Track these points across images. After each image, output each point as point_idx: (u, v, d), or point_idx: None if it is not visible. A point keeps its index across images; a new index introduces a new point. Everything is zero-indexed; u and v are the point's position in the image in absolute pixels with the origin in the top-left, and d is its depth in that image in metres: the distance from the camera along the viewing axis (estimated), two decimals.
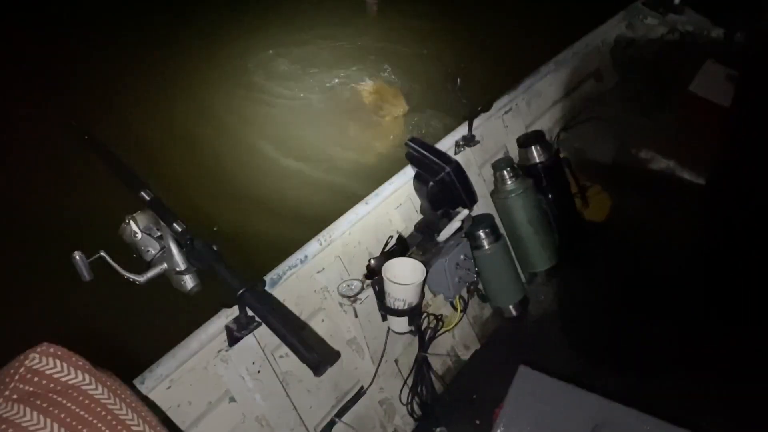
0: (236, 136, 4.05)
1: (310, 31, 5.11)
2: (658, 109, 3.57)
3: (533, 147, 2.54)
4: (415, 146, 2.11)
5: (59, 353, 1.26)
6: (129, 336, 2.51)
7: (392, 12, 5.15)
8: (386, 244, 2.08)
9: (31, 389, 1.21)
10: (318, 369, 1.38)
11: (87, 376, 1.27)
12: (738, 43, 3.17)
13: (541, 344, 2.39)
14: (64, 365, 1.25)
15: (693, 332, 2.30)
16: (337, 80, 4.54)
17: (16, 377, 1.21)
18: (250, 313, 1.57)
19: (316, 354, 1.36)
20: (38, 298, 2.75)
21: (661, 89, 3.60)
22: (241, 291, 1.46)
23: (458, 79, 2.27)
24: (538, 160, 2.54)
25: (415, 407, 2.19)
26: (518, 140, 2.60)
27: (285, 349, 1.63)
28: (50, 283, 2.68)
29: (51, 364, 1.24)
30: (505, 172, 2.42)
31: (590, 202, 2.74)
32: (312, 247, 1.91)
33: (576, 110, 3.06)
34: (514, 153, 2.66)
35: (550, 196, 2.56)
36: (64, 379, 1.24)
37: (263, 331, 1.63)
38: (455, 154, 2.39)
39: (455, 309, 2.24)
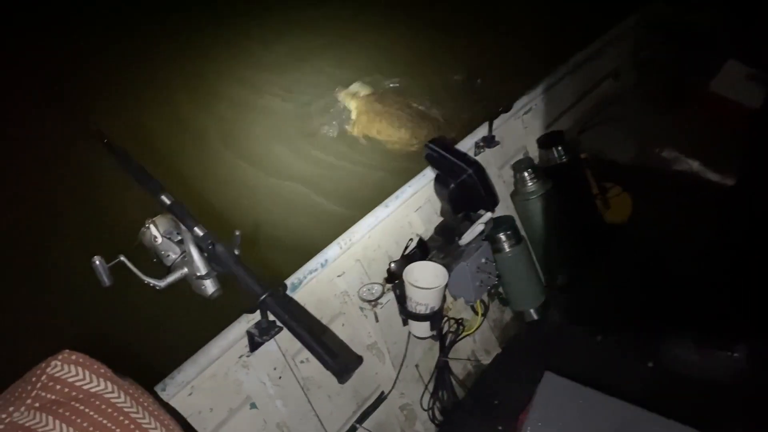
0: (251, 140, 4.04)
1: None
2: (677, 109, 3.53)
3: (554, 148, 2.50)
4: (435, 147, 2.08)
5: (80, 360, 1.25)
6: (150, 342, 2.49)
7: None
8: (406, 248, 2.05)
9: (53, 397, 1.20)
10: (342, 376, 1.36)
11: (108, 384, 1.26)
12: (763, 42, 3.11)
13: (563, 348, 2.35)
14: (86, 372, 1.24)
15: (717, 337, 2.25)
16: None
17: (38, 385, 1.20)
18: (271, 318, 1.55)
19: (341, 361, 1.33)
20: (59, 304, 2.74)
21: (681, 88, 3.56)
22: (263, 296, 1.43)
23: (478, 80, 2.25)
24: (558, 161, 2.51)
25: (437, 413, 2.16)
26: (539, 141, 2.57)
27: (306, 354, 1.61)
28: (70, 289, 2.67)
29: (72, 371, 1.23)
30: (526, 174, 2.39)
31: (611, 204, 2.69)
32: (332, 250, 1.88)
33: (595, 110, 3.02)
34: (534, 154, 2.63)
35: (571, 197, 2.52)
36: (85, 387, 1.23)
37: (284, 335, 1.61)
38: (475, 155, 2.36)
39: (476, 313, 2.20)
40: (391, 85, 4.16)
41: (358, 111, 3.93)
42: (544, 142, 2.53)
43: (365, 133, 3.86)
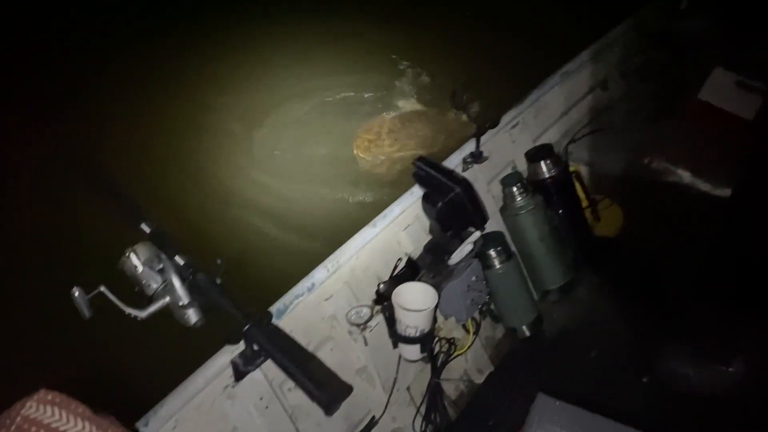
0: (234, 158, 4.00)
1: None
2: (666, 118, 3.52)
3: (542, 162, 2.48)
4: (423, 166, 2.06)
5: (57, 400, 1.21)
6: (132, 374, 2.44)
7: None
8: (395, 268, 2.02)
9: None
10: (329, 408, 1.33)
11: (86, 424, 1.21)
12: (757, 52, 3.11)
13: (557, 365, 2.32)
14: (63, 413, 1.20)
15: (712, 351, 2.23)
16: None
17: (12, 428, 1.16)
18: (256, 347, 1.52)
19: (328, 393, 1.30)
20: (37, 338, 2.68)
21: (670, 97, 3.56)
22: (247, 326, 1.41)
23: (464, 96, 2.22)
24: (547, 175, 2.48)
25: None
26: (527, 155, 2.54)
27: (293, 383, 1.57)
28: (49, 321, 2.61)
29: (49, 412, 1.19)
30: (515, 189, 2.37)
31: (602, 216, 2.68)
32: (319, 273, 1.85)
33: (584, 121, 3.01)
34: (523, 167, 2.60)
35: (560, 211, 2.50)
36: (62, 429, 1.19)
37: (271, 364, 1.57)
38: (463, 171, 2.34)
39: (468, 332, 2.17)
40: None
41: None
42: (533, 156, 2.51)
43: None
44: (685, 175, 2.74)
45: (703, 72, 3.48)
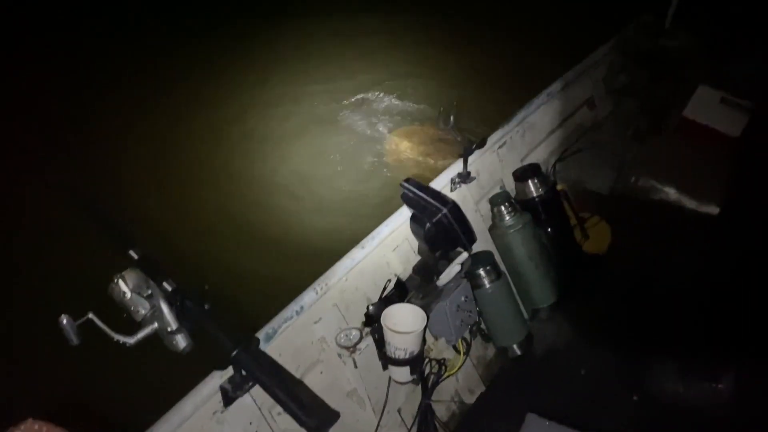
0: (222, 177, 4.02)
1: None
2: (652, 135, 3.57)
3: (530, 181, 2.50)
4: (410, 187, 2.07)
5: (45, 430, 1.21)
6: (121, 401, 2.42)
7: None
8: (384, 289, 2.03)
9: None
10: None
11: None
12: (741, 69, 3.16)
13: (547, 383, 2.32)
14: None
15: (701, 367, 2.24)
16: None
17: None
18: (244, 372, 1.52)
19: (315, 418, 1.30)
20: (25, 365, 2.66)
21: (655, 115, 3.60)
22: (234, 352, 1.41)
23: (452, 117, 2.24)
24: (535, 194, 2.50)
25: None
26: (514, 174, 2.57)
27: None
28: (37, 349, 2.60)
29: None
30: (503, 208, 2.39)
31: (590, 234, 2.69)
32: (308, 296, 1.85)
33: (571, 140, 3.04)
34: (511, 187, 2.62)
35: (549, 229, 2.52)
36: None
37: (260, 389, 1.57)
38: (451, 191, 2.35)
39: (458, 352, 2.17)
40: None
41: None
42: (520, 176, 2.53)
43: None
44: (671, 192, 2.76)
45: (689, 90, 3.53)
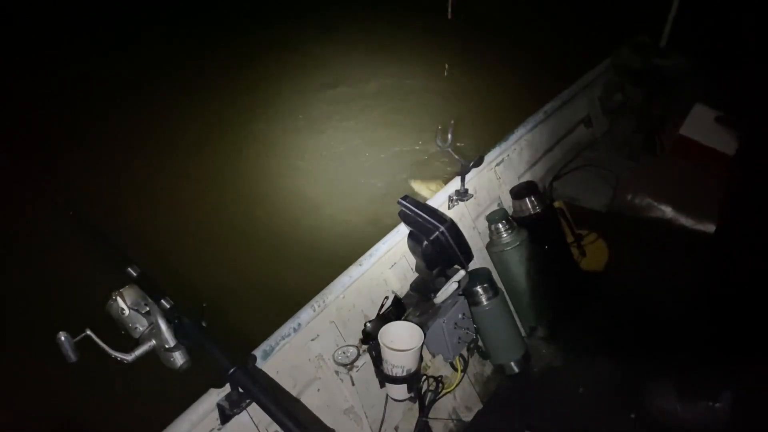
0: (224, 195, 4.04)
1: None
2: (649, 154, 3.59)
3: (527, 198, 2.52)
4: (408, 205, 2.08)
5: None
6: (118, 419, 2.41)
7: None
8: (382, 306, 2.03)
9: None
10: None
11: None
12: (730, 86, 3.19)
13: (545, 401, 2.32)
14: None
15: (699, 386, 2.24)
16: None
17: None
18: (241, 390, 1.52)
19: None
20: (23, 383, 2.65)
21: (651, 133, 3.63)
22: (231, 370, 1.41)
23: (449, 134, 2.26)
24: (532, 211, 2.52)
25: None
26: (512, 192, 2.58)
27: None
28: (34, 366, 2.58)
29: None
30: (500, 225, 2.40)
31: (587, 252, 2.71)
32: (305, 313, 1.86)
33: (567, 158, 3.06)
34: (508, 204, 2.64)
35: (546, 247, 2.52)
36: None
37: (257, 406, 1.57)
38: (449, 209, 2.37)
39: (455, 369, 2.18)
40: None
41: None
42: (518, 193, 2.55)
43: None
44: (668, 210, 2.78)
45: (684, 109, 3.56)
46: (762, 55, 3.20)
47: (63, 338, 1.39)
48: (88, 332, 1.42)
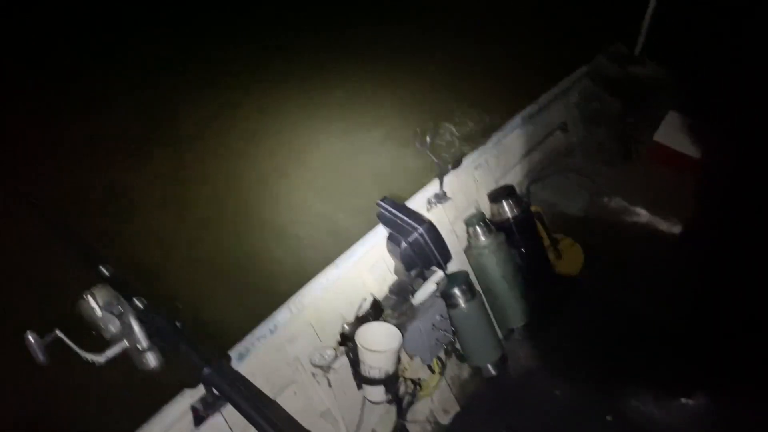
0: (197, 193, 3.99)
1: None
2: (624, 160, 3.64)
3: (504, 202, 2.53)
4: (387, 206, 2.08)
5: None
6: (89, 421, 2.35)
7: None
8: (360, 308, 2.02)
9: None
10: None
11: None
12: (699, 93, 3.26)
13: (522, 403, 2.33)
14: None
15: (672, 387, 2.27)
16: None
17: None
18: (216, 391, 1.49)
19: None
20: None
21: (626, 140, 3.68)
22: (205, 370, 1.38)
23: (428, 137, 2.26)
24: (509, 215, 2.53)
25: None
26: (490, 195, 2.59)
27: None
28: (1, 367, 2.51)
29: None
30: (478, 228, 2.40)
31: (563, 255, 2.72)
32: (282, 314, 1.84)
33: (545, 163, 3.09)
34: (486, 207, 2.65)
35: (523, 250, 2.53)
36: None
37: (232, 408, 1.54)
38: (427, 211, 2.37)
39: (433, 372, 2.17)
40: None
41: None
42: (495, 197, 2.56)
43: None
44: (642, 214, 2.81)
45: (658, 115, 3.62)
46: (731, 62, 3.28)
47: (31, 339, 1.35)
48: (58, 333, 1.38)
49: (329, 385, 1.87)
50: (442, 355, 2.22)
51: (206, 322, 2.66)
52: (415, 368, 2.20)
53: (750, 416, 2.10)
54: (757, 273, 2.26)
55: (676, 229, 2.82)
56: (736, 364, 2.22)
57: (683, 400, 2.25)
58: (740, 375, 2.19)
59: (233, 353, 1.70)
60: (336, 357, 1.89)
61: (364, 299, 2.04)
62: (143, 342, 1.45)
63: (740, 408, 2.11)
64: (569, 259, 2.74)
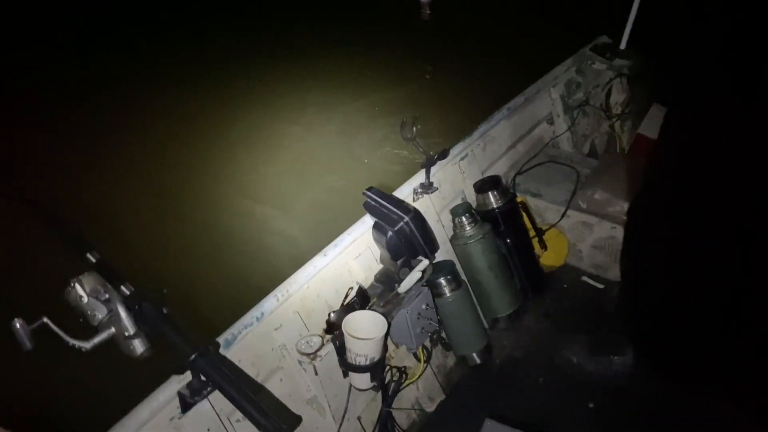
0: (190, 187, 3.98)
1: None
2: (609, 151, 3.68)
3: (490, 192, 2.55)
4: (373, 195, 2.09)
5: None
6: (76, 407, 2.35)
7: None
8: (346, 297, 2.04)
9: None
10: None
11: None
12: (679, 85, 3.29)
13: (507, 391, 2.36)
14: None
15: (654, 375, 2.31)
16: None
17: None
18: (203, 377, 1.50)
19: (274, 423, 1.30)
20: None
21: (611, 132, 3.72)
22: (193, 356, 1.40)
23: (414, 127, 2.28)
24: (495, 205, 2.55)
25: None
26: (475, 186, 2.61)
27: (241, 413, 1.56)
28: None
29: None
30: (464, 218, 2.42)
31: (548, 246, 2.76)
32: (269, 303, 1.85)
33: (530, 154, 3.11)
34: (472, 198, 2.67)
35: (508, 240, 2.56)
36: None
37: (219, 395, 1.55)
38: (413, 201, 2.38)
39: (419, 360, 2.19)
40: None
41: None
42: (481, 187, 2.58)
43: None
44: (626, 205, 2.84)
45: (643, 108, 3.66)
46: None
47: (18, 325, 1.35)
48: (45, 319, 1.39)
49: (315, 372, 1.89)
50: (427, 343, 2.25)
51: (194, 309, 2.67)
52: (401, 357, 2.23)
53: None
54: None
55: None
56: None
57: (663, 385, 2.28)
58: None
59: (220, 340, 1.70)
60: (322, 345, 1.90)
61: (351, 288, 2.05)
62: (130, 328, 1.46)
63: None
64: (554, 249, 2.77)
